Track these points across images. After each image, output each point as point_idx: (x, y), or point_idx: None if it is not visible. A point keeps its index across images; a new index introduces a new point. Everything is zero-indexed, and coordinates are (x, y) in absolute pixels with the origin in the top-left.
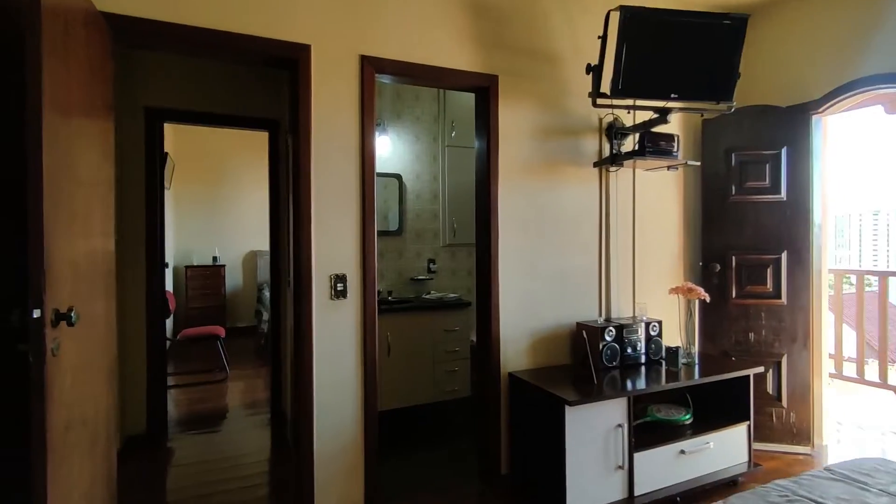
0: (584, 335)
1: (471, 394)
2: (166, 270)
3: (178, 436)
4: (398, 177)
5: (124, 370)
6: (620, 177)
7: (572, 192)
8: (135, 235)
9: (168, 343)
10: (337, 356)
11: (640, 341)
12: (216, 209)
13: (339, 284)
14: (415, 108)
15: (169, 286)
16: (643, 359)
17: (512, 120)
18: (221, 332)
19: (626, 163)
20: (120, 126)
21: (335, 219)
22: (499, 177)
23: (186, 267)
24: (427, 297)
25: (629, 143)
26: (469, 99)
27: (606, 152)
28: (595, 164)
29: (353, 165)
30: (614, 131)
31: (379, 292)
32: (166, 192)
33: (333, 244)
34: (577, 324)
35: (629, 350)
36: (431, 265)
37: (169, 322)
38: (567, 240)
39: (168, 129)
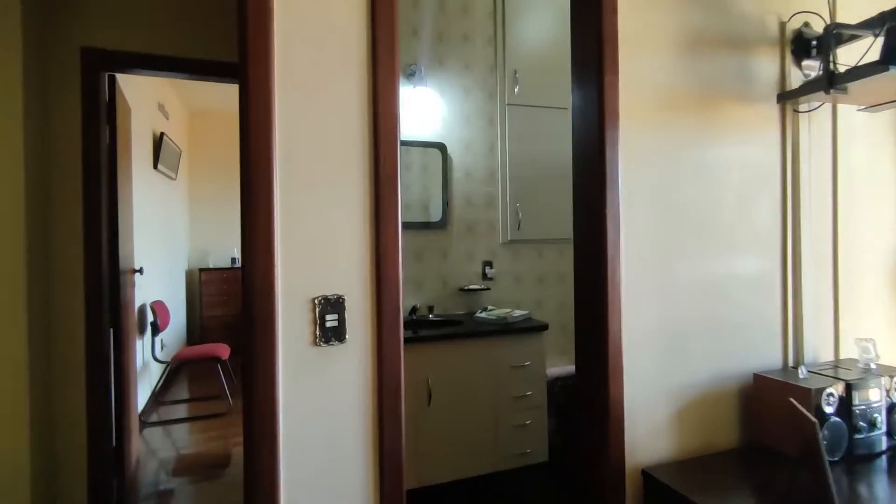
0: (798, 407)
1: (550, 459)
2: (179, 274)
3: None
4: (441, 147)
5: (52, 416)
6: (816, 123)
7: (737, 149)
8: (71, 229)
9: (167, 367)
10: (329, 447)
11: (881, 411)
12: (236, 204)
13: (329, 316)
14: (463, 52)
15: (171, 293)
16: (884, 444)
17: (640, 17)
18: (223, 352)
19: (818, 97)
20: (45, 75)
21: (322, 207)
22: (618, 121)
23: (201, 270)
24: (482, 315)
25: (836, 59)
26: (538, 42)
27: (793, 80)
28: (780, 98)
29: (357, 124)
30: (810, 42)
31: (414, 310)
32: (173, 183)
33: (318, 248)
34: (756, 376)
35: (863, 428)
36: (487, 270)
37: (173, 338)
38: (729, 230)
39: (180, 114)
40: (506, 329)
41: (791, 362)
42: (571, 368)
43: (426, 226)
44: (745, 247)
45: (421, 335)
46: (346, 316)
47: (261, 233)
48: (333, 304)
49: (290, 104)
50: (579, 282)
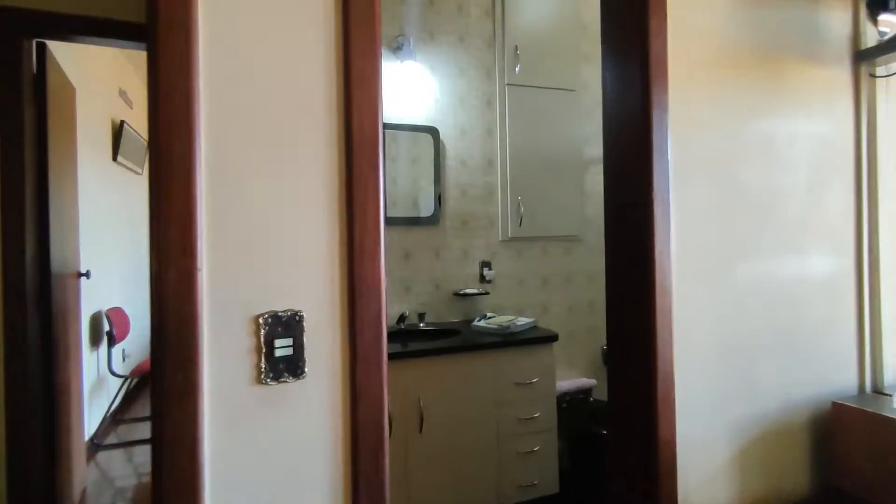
0: None
1: (561, 490)
2: (144, 278)
3: None
4: (432, 131)
5: None
6: (894, 90)
7: (805, 120)
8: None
9: (127, 381)
10: None
11: None
12: None
13: (280, 342)
14: (457, 24)
15: (133, 299)
16: None
17: None
18: None
19: None
20: None
21: (271, 187)
22: (667, 77)
23: None
24: (481, 324)
25: None
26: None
27: (868, 39)
28: (857, 59)
29: (320, 71)
30: None
31: (402, 318)
32: (138, 177)
33: (264, 245)
34: (834, 405)
35: None
36: (486, 271)
37: (137, 348)
38: (796, 221)
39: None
40: (509, 340)
41: (869, 385)
42: (580, 382)
43: (416, 221)
44: (815, 242)
45: (410, 349)
46: (304, 340)
47: (173, 223)
48: (287, 325)
49: (223, 40)
50: (614, 287)
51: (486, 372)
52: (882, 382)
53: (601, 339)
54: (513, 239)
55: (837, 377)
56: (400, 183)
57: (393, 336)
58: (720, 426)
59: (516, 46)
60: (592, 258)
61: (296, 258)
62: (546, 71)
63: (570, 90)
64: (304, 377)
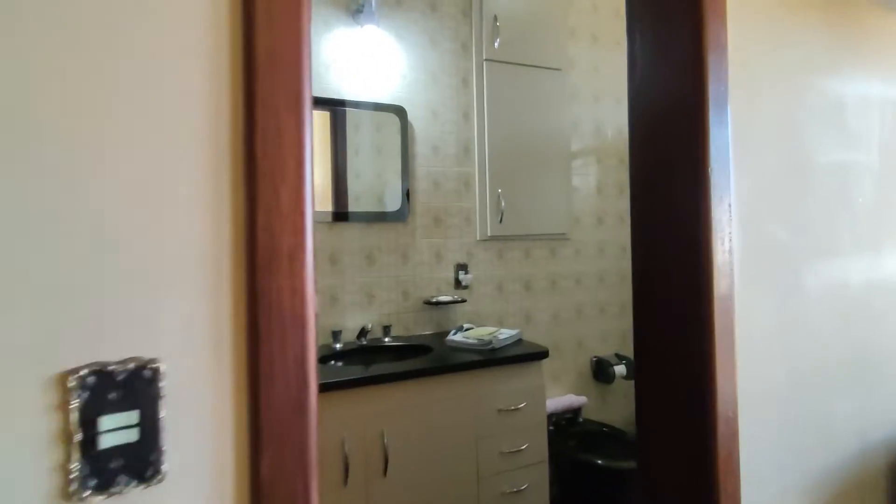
0: None
1: None
2: None
3: None
4: (399, 112)
5: None
6: None
7: (882, 81)
8: None
9: None
10: None
11: None
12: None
13: (111, 418)
14: None
15: None
16: None
17: None
18: None
19: None
20: None
21: (90, 139)
22: (724, 10)
23: None
24: (457, 338)
25: None
26: None
27: None
28: None
29: None
30: None
31: (363, 332)
32: None
33: (77, 239)
34: None
35: None
36: (461, 275)
37: None
38: (871, 211)
39: None
40: (491, 358)
41: None
42: (568, 401)
43: (380, 217)
44: (893, 238)
45: (371, 374)
46: (161, 413)
47: None
48: (126, 387)
49: None
50: (645, 295)
51: (463, 398)
52: None
53: (591, 350)
54: (492, 238)
55: None
56: (360, 171)
57: (352, 355)
58: (793, 483)
59: (495, 17)
60: (581, 260)
61: (144, 267)
62: (529, 46)
63: (556, 69)
64: (159, 482)
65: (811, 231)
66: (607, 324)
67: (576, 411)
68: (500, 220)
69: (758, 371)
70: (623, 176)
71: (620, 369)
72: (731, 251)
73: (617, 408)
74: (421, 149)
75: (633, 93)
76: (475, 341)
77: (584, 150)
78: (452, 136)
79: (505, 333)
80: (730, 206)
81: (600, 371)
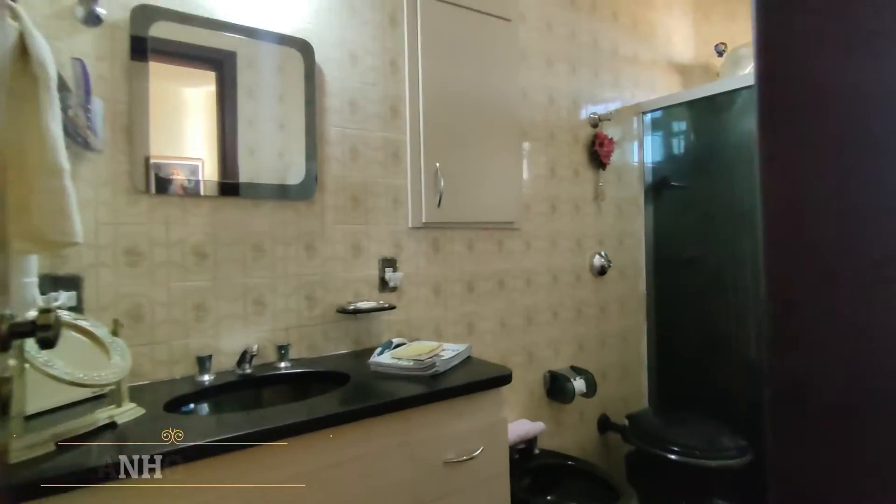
0: None
1: None
2: None
3: None
4: (305, 49)
5: None
6: None
7: None
8: None
9: None
10: None
11: None
12: None
13: None
14: None
15: None
16: None
17: None
18: None
19: None
20: None
21: None
22: None
23: None
24: (384, 360)
25: None
26: None
27: None
28: None
29: None
30: None
31: (245, 357)
32: None
33: None
34: None
35: None
36: (389, 273)
37: None
38: None
39: None
40: (434, 389)
41: None
42: (523, 428)
43: (277, 192)
44: None
45: (256, 427)
46: None
47: None
48: None
49: None
50: (780, 329)
51: (396, 450)
52: None
53: (544, 363)
54: (428, 225)
55: None
56: (245, 129)
57: (226, 392)
58: None
59: None
60: (532, 254)
61: None
62: None
63: (505, 19)
64: None
65: None
66: (561, 331)
67: (530, 441)
68: (439, 203)
69: None
70: (579, 156)
71: (580, 385)
72: None
73: (575, 432)
74: (333, 102)
75: None
76: (410, 363)
77: (536, 123)
78: (376, 91)
79: (450, 350)
80: None
81: (555, 388)
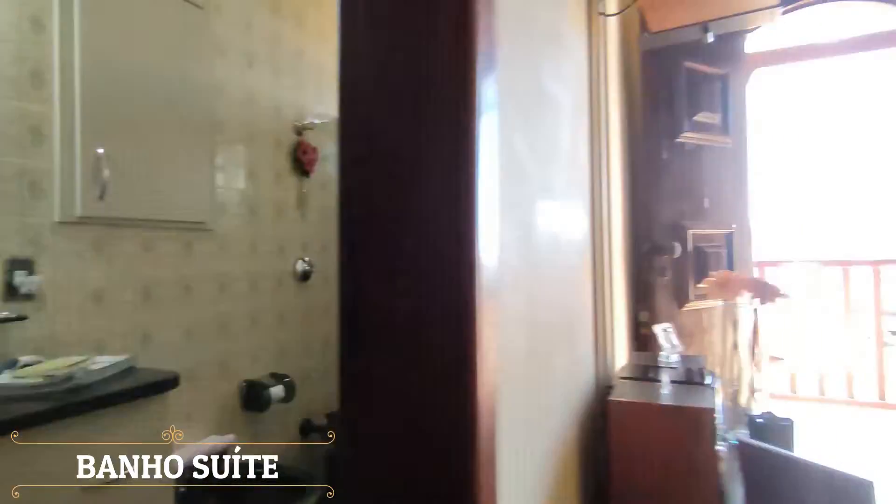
0: None
1: None
2: None
3: None
4: None
5: None
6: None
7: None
8: None
9: None
10: None
11: None
12: None
13: None
14: None
15: None
16: None
17: None
18: None
19: None
20: None
21: None
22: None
23: None
24: (2, 381)
25: None
26: None
27: None
28: None
29: None
30: None
31: None
32: None
33: None
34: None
35: None
36: (20, 276)
37: None
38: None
39: None
40: (68, 402)
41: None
42: (207, 446)
43: None
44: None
45: None
46: None
47: None
48: None
49: None
50: (358, 273)
51: (21, 477)
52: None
53: (240, 373)
54: (86, 221)
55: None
56: None
57: None
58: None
59: None
60: (227, 258)
61: None
62: None
63: (197, 6)
64: None
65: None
66: (261, 338)
67: (220, 456)
68: (101, 196)
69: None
70: (282, 162)
71: (277, 391)
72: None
73: (276, 440)
74: None
75: None
76: (39, 381)
77: (234, 121)
78: (8, 49)
79: (103, 363)
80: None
81: (252, 397)
